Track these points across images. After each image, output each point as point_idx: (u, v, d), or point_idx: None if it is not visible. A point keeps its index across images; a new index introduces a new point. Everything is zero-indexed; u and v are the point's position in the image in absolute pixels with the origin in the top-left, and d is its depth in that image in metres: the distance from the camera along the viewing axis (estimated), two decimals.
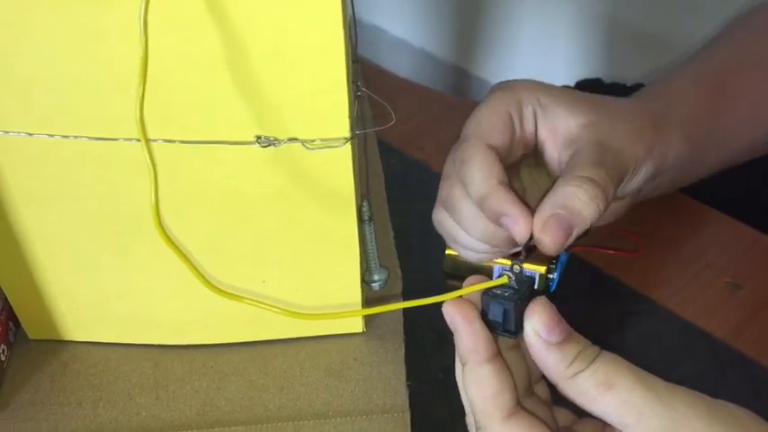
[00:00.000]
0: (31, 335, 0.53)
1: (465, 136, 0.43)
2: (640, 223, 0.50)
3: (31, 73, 0.40)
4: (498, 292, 0.36)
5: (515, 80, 0.46)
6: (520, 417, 0.35)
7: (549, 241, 0.38)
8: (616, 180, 0.41)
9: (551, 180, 0.45)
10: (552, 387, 0.35)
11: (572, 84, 0.88)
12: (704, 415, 0.32)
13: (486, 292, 0.36)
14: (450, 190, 0.44)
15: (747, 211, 0.61)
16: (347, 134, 0.41)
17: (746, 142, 0.55)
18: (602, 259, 0.57)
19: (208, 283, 0.46)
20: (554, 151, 0.44)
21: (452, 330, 0.36)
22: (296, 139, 0.41)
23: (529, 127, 0.44)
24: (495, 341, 0.36)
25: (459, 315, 0.36)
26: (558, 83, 0.49)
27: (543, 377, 0.39)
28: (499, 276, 0.37)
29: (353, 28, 0.42)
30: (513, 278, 0.37)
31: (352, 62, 0.42)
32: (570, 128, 0.43)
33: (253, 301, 0.47)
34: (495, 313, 0.36)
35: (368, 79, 0.44)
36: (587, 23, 1.43)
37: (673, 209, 0.54)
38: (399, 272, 0.56)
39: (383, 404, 0.48)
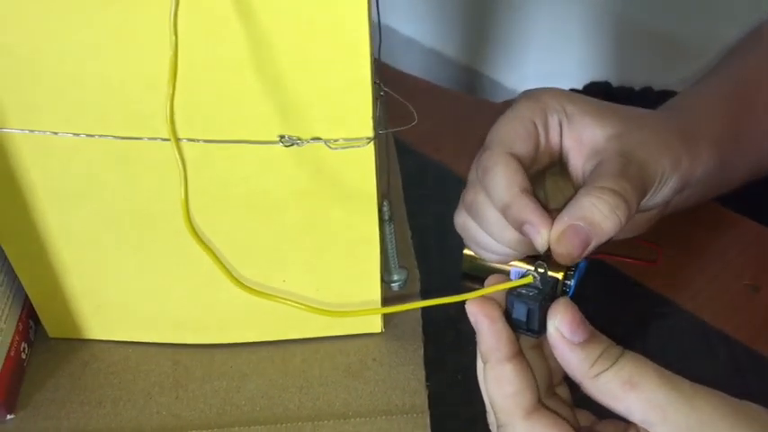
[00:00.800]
0: (52, 333, 0.53)
1: (488, 144, 0.43)
2: (659, 225, 0.50)
3: (57, 72, 0.40)
4: (523, 291, 0.36)
5: (541, 88, 0.45)
6: (541, 414, 0.35)
7: (564, 252, 0.38)
8: (640, 192, 0.41)
9: (576, 189, 0.44)
10: (573, 390, 0.35)
11: (580, 87, 0.87)
12: (729, 416, 0.32)
13: (510, 291, 0.37)
14: (474, 197, 0.44)
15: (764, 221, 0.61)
16: (370, 134, 0.41)
17: None
18: (621, 262, 0.57)
19: (236, 280, 0.47)
20: (578, 161, 0.44)
21: (475, 329, 0.36)
22: (319, 139, 0.41)
23: (554, 136, 0.44)
24: (517, 340, 0.36)
25: (482, 313, 0.36)
26: (569, 85, 0.48)
27: (565, 379, 0.39)
28: (521, 277, 0.37)
29: (377, 28, 0.42)
30: (538, 278, 0.37)
31: (374, 62, 0.42)
32: (597, 139, 0.43)
33: (279, 297, 0.47)
34: (520, 313, 0.36)
35: (384, 80, 0.44)
36: (599, 25, 1.43)
37: (692, 211, 0.54)
38: (417, 272, 0.56)
39: (402, 405, 0.48)
